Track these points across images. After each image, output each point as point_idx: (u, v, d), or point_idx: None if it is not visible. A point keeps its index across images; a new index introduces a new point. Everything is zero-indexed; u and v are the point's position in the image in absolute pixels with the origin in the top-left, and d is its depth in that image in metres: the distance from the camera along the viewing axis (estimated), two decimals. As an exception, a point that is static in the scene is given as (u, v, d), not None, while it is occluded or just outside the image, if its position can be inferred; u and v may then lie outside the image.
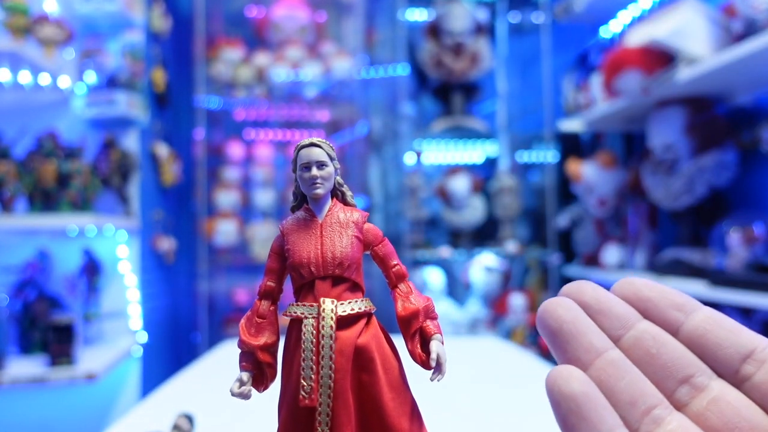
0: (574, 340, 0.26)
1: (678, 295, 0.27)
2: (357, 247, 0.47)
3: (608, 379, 0.25)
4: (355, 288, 0.47)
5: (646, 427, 0.24)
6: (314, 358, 0.43)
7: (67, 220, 1.70)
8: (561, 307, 0.27)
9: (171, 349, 2.67)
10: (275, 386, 0.48)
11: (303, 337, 0.44)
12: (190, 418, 0.78)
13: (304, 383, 0.43)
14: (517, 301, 2.56)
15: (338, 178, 0.49)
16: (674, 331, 0.27)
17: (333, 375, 0.43)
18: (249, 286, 2.73)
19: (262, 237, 2.60)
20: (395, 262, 0.49)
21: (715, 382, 0.25)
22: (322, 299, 0.45)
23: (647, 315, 0.27)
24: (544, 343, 2.38)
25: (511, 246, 2.64)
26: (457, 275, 2.83)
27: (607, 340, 0.26)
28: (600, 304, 0.28)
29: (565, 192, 2.67)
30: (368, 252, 0.49)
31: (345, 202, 0.50)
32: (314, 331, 0.44)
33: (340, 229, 0.47)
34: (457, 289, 2.83)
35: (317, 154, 0.47)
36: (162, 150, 2.41)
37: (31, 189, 1.71)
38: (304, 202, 0.49)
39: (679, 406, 0.25)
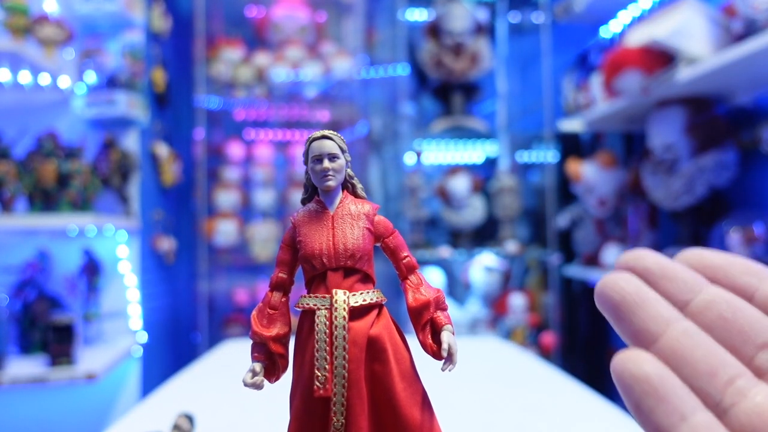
0: (639, 310, 0.24)
1: (749, 263, 0.26)
2: (368, 239, 0.47)
3: (682, 349, 0.23)
4: (366, 279, 0.47)
5: (730, 399, 0.22)
6: (328, 348, 0.44)
7: (67, 220, 1.70)
8: (621, 279, 0.25)
9: (171, 349, 2.67)
10: (277, 382, 0.48)
11: (316, 328, 0.44)
12: (190, 418, 0.78)
13: (319, 373, 0.43)
14: (517, 301, 2.56)
15: (349, 170, 0.49)
16: (748, 297, 0.25)
17: (347, 365, 0.43)
18: (249, 286, 2.73)
19: (262, 237, 2.60)
20: (405, 254, 0.49)
21: None
22: (334, 290, 0.45)
23: (716, 282, 0.25)
24: (544, 343, 2.36)
25: (511, 246, 2.64)
26: (457, 275, 2.83)
27: (675, 311, 0.24)
28: (664, 269, 0.25)
29: (565, 192, 2.66)
30: (378, 244, 0.49)
31: (355, 195, 0.50)
32: (327, 322, 0.44)
33: (352, 220, 0.47)
34: (457, 289, 2.83)
35: (329, 146, 0.47)
36: (162, 150, 2.41)
37: (31, 189, 1.71)
38: (315, 195, 0.49)
39: (759, 374, 0.23)
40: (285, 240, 0.49)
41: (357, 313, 0.45)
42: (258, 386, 0.46)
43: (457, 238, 2.73)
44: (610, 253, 2.23)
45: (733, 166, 1.78)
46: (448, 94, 2.75)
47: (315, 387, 0.43)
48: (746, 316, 0.24)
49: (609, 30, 2.54)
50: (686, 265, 0.26)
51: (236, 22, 2.85)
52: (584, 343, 2.82)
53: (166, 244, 2.42)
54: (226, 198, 2.62)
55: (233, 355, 1.36)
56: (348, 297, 0.45)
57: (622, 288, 0.24)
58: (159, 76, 2.40)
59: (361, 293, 0.45)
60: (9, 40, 1.68)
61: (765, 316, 0.24)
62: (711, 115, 1.84)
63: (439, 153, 2.94)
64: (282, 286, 0.48)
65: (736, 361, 0.23)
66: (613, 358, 0.23)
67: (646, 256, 0.26)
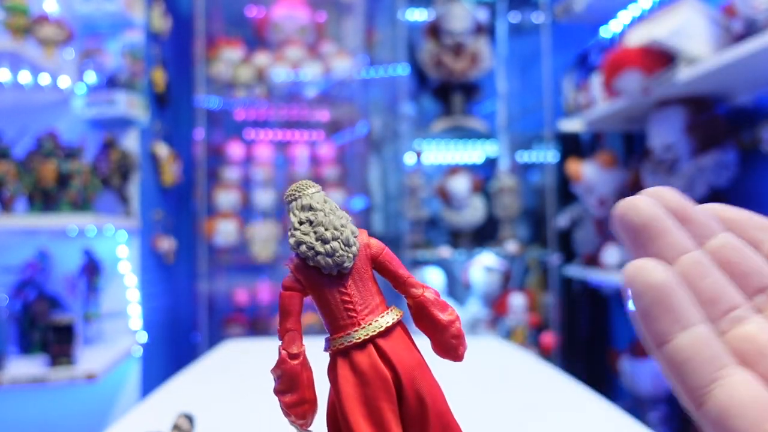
0: (658, 237, 0.25)
1: (762, 218, 0.27)
2: None
3: (691, 276, 0.24)
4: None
5: (724, 325, 0.24)
6: None
7: (67, 220, 1.70)
8: (644, 204, 0.25)
9: (171, 349, 2.67)
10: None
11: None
12: (190, 418, 0.78)
13: None
14: (517, 301, 2.56)
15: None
16: (757, 247, 0.26)
17: None
18: (249, 286, 2.73)
19: (262, 237, 2.60)
20: None
21: None
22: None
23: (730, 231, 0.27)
24: (544, 343, 2.36)
25: (511, 246, 2.64)
26: (457, 275, 2.83)
27: (691, 241, 0.25)
28: (683, 209, 0.26)
29: (565, 192, 2.67)
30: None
31: None
32: None
33: None
34: (457, 289, 2.83)
35: None
36: (162, 150, 2.41)
37: (31, 189, 1.71)
38: None
39: (757, 311, 0.25)
40: None
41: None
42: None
43: (457, 238, 2.73)
44: (610, 253, 2.23)
45: (733, 166, 1.78)
46: (448, 94, 2.75)
47: None
48: (751, 263, 0.25)
49: (609, 30, 2.54)
50: (704, 213, 0.27)
51: (236, 22, 2.85)
52: (584, 343, 2.82)
53: (166, 244, 2.42)
54: (226, 198, 2.62)
55: (233, 355, 1.36)
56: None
57: (645, 212, 0.25)
58: (159, 76, 2.41)
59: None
60: (9, 40, 1.68)
61: (765, 263, 0.26)
62: (711, 115, 1.84)
63: (439, 153, 2.94)
64: None
65: (739, 294, 0.24)
66: (627, 266, 0.24)
67: (668, 195, 0.26)
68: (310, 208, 0.38)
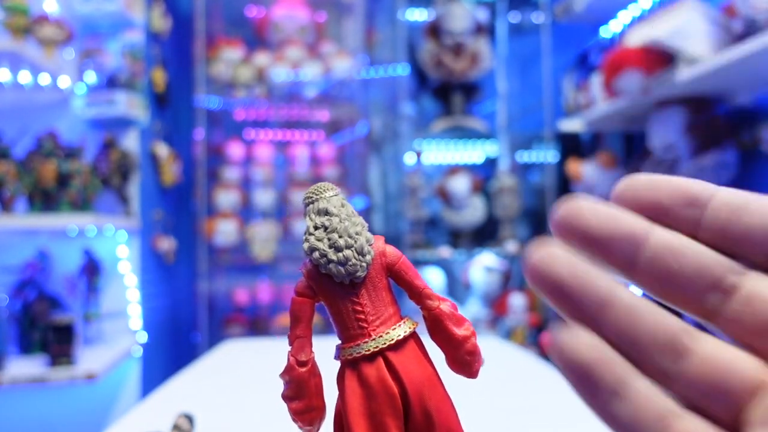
0: (578, 293, 0.22)
1: (687, 186, 0.23)
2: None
3: (627, 328, 0.22)
4: None
5: (670, 367, 0.21)
6: None
7: (67, 220, 1.70)
8: (557, 260, 0.22)
9: (171, 349, 2.67)
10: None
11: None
12: (190, 418, 0.78)
13: None
14: (517, 301, 2.56)
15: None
16: (693, 231, 0.23)
17: None
18: (249, 286, 2.74)
19: (262, 237, 2.60)
20: None
21: (746, 278, 0.21)
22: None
23: (658, 221, 0.23)
24: (544, 343, 2.36)
25: (511, 246, 2.64)
26: (457, 275, 2.83)
27: (613, 283, 0.22)
28: (605, 230, 0.23)
29: (565, 192, 2.66)
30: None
31: None
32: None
33: None
34: (457, 289, 2.83)
35: None
36: (162, 150, 2.41)
37: (31, 189, 1.71)
38: None
39: (710, 317, 0.22)
40: None
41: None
42: None
43: (457, 238, 2.73)
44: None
45: (733, 166, 1.78)
46: (448, 94, 2.75)
47: None
48: (691, 262, 0.22)
49: (609, 30, 2.54)
50: (627, 204, 0.23)
51: (236, 22, 2.85)
52: (584, 343, 2.82)
53: (166, 244, 2.42)
54: (226, 198, 2.62)
55: (233, 355, 1.36)
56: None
57: (558, 271, 0.22)
58: (159, 76, 2.41)
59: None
60: (9, 40, 1.68)
61: (709, 252, 0.22)
62: (711, 115, 1.84)
63: (439, 153, 2.94)
64: None
65: (677, 322, 0.22)
66: (553, 337, 0.22)
67: (587, 215, 0.23)
68: (326, 213, 0.37)
